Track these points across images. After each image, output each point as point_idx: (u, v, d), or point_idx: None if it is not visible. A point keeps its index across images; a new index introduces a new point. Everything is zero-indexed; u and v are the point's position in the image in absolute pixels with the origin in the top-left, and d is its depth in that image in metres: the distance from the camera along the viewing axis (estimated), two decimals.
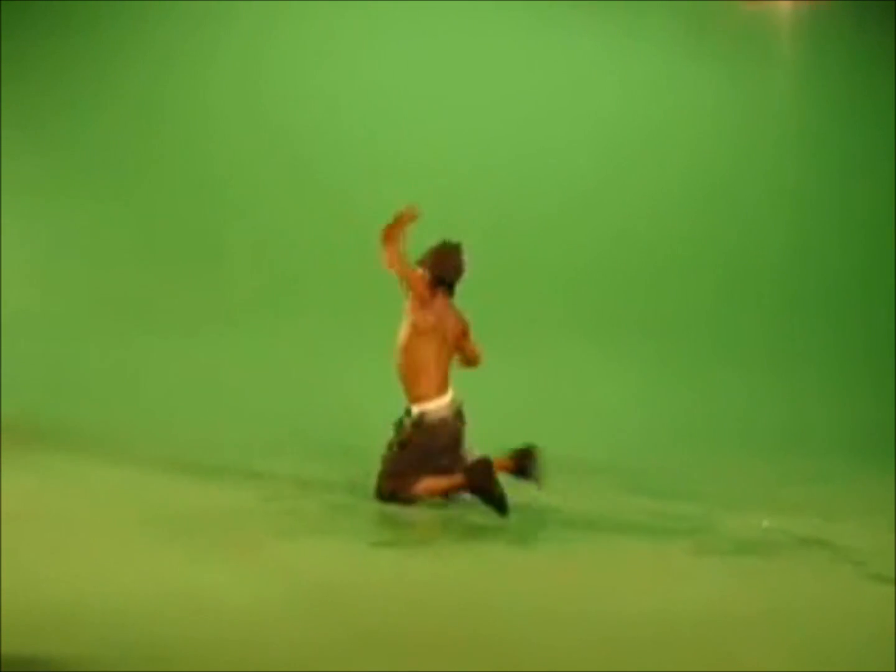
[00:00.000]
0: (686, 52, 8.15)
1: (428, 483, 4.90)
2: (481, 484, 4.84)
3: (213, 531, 4.23)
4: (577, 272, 8.10)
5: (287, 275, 7.86)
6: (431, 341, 4.92)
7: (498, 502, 4.82)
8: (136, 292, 7.63)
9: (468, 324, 5.07)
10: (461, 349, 5.06)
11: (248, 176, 7.83)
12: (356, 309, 7.25)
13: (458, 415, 4.98)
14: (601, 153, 8.17)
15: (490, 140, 8.01)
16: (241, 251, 7.89)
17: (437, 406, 4.92)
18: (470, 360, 5.12)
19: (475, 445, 4.99)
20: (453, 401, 4.98)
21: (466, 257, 5.07)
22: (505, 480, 4.88)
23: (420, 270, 5.00)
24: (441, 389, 4.96)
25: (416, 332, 4.91)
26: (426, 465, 4.89)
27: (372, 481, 4.95)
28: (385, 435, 5.04)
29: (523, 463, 4.98)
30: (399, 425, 5.01)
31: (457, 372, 5.06)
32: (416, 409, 4.95)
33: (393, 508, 4.81)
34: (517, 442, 5.11)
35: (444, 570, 4.02)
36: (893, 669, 3.13)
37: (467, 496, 4.90)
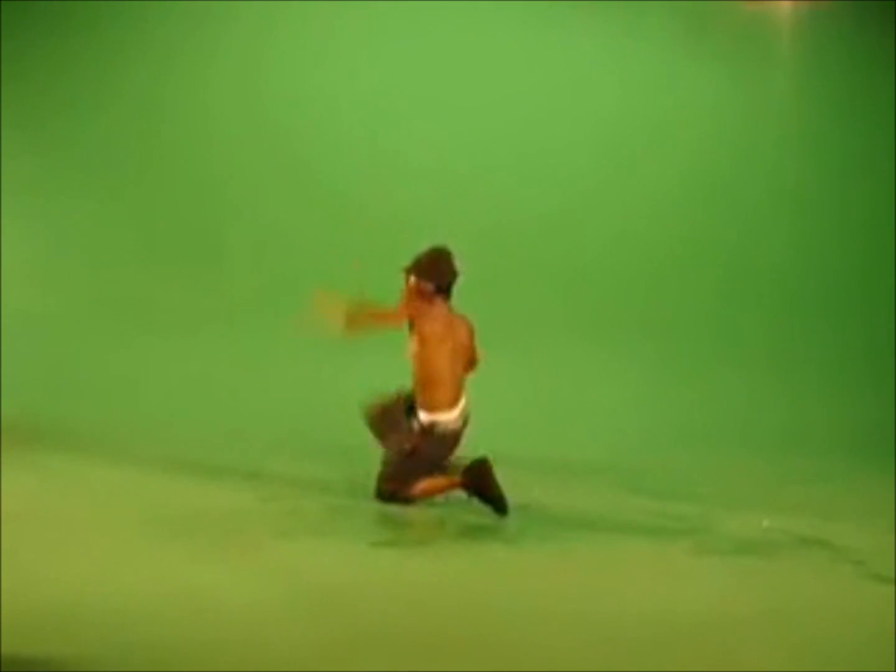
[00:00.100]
0: (686, 52, 8.15)
1: (426, 484, 4.89)
2: (481, 484, 4.84)
3: (212, 531, 4.23)
4: (577, 272, 8.10)
5: (287, 275, 7.85)
6: (444, 350, 4.87)
7: (497, 502, 4.83)
8: (136, 292, 7.64)
9: (472, 326, 5.06)
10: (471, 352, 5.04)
11: (248, 176, 7.83)
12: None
13: (466, 422, 4.98)
14: (601, 153, 8.17)
15: (490, 140, 8.01)
16: (240, 251, 7.89)
17: (449, 418, 4.89)
18: (473, 363, 5.11)
19: (475, 446, 4.99)
20: (463, 410, 4.96)
21: (457, 261, 5.03)
22: (505, 481, 4.88)
23: (412, 281, 4.94)
24: (456, 400, 4.93)
25: (428, 343, 4.86)
26: (429, 470, 4.89)
27: (371, 482, 4.94)
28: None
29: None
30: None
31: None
32: (425, 417, 4.89)
33: (392, 509, 4.81)
34: (517, 442, 5.11)
35: (444, 571, 4.02)
36: (893, 670, 3.13)
37: (463, 496, 4.89)
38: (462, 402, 4.95)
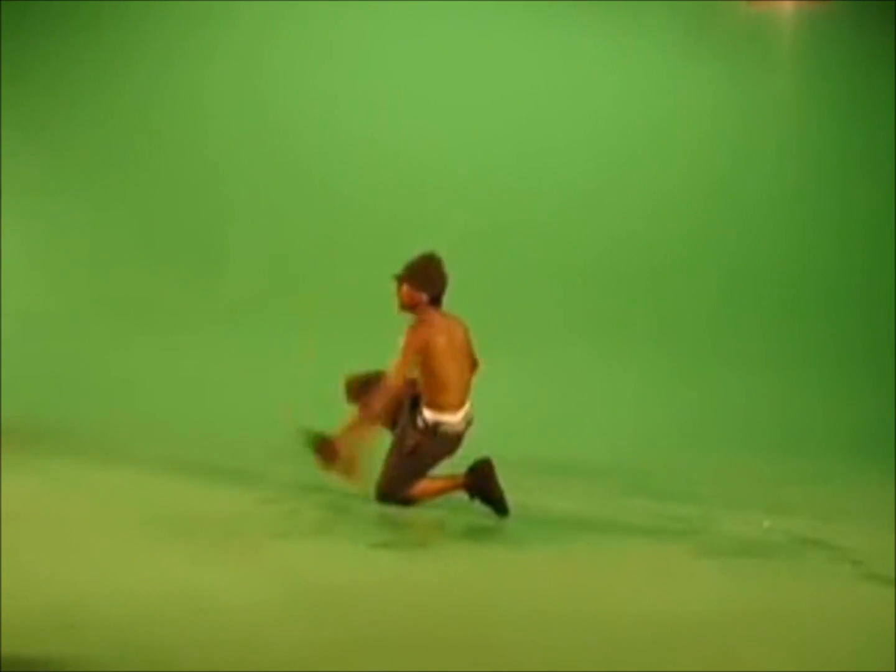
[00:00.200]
0: (686, 52, 8.14)
1: (426, 484, 4.89)
2: (483, 485, 4.84)
3: (212, 532, 4.23)
4: (577, 272, 8.10)
5: (287, 275, 7.87)
6: (452, 361, 4.85)
7: (498, 503, 4.83)
8: (136, 293, 7.64)
9: (465, 324, 5.05)
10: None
11: (248, 176, 7.83)
12: (357, 310, 7.25)
13: (469, 424, 4.97)
14: (601, 154, 8.17)
15: (490, 140, 8.01)
16: (240, 251, 7.90)
17: (454, 420, 4.87)
18: (475, 364, 5.09)
19: (475, 447, 4.98)
20: (467, 413, 4.94)
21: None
22: (504, 482, 4.88)
23: (405, 290, 4.88)
24: (462, 403, 4.91)
25: (435, 358, 4.81)
26: (429, 471, 4.89)
27: (371, 482, 4.94)
28: (385, 437, 5.03)
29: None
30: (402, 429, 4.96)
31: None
32: (431, 416, 4.87)
33: (392, 510, 4.81)
34: (517, 443, 5.11)
35: (444, 572, 4.02)
36: (893, 670, 3.13)
37: (463, 497, 4.89)
38: (467, 405, 4.94)
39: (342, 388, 5.08)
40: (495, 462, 4.89)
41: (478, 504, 4.88)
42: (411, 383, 4.93)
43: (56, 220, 7.69)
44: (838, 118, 8.46)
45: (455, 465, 4.94)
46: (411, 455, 4.85)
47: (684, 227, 8.23)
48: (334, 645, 3.09)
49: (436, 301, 4.91)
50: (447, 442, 4.88)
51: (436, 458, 4.89)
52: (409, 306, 4.92)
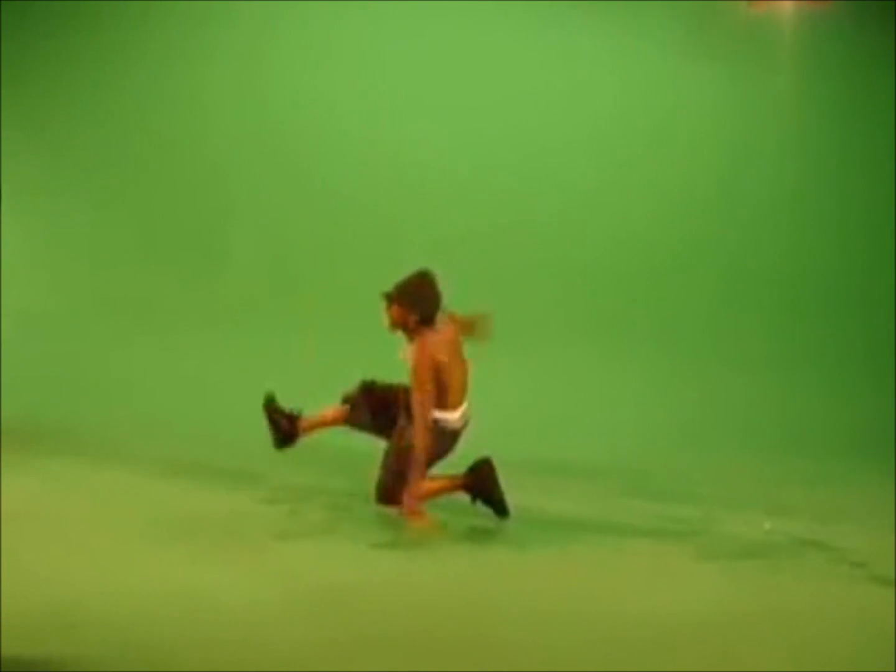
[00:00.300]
0: (686, 52, 8.14)
1: (427, 485, 4.88)
2: (484, 485, 4.84)
3: (213, 533, 4.23)
4: (577, 272, 8.10)
5: (287, 275, 7.86)
6: (453, 367, 4.83)
7: (498, 504, 4.83)
8: (136, 293, 7.64)
9: (454, 322, 4.99)
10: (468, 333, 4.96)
11: (248, 176, 7.83)
12: (357, 310, 7.23)
13: (466, 423, 4.96)
14: (601, 154, 8.16)
15: (490, 140, 8.00)
16: (240, 251, 7.89)
17: (453, 417, 4.85)
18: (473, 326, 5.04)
19: (474, 448, 4.98)
20: (465, 411, 4.91)
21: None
22: (505, 483, 4.88)
23: (395, 311, 4.83)
24: (461, 402, 4.89)
25: (440, 370, 4.76)
26: (428, 469, 4.88)
27: (371, 483, 4.94)
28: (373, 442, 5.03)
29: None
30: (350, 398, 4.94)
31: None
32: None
33: (392, 510, 4.80)
34: (517, 444, 5.11)
35: (444, 572, 4.03)
36: (893, 671, 3.13)
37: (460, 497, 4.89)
38: (465, 404, 4.93)
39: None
40: (495, 462, 4.89)
41: (478, 505, 4.87)
42: (407, 390, 4.92)
43: (56, 220, 7.69)
44: (838, 118, 8.45)
45: (455, 465, 4.93)
46: (408, 451, 4.83)
47: (684, 227, 8.22)
48: (334, 645, 3.09)
49: (428, 320, 4.80)
50: (445, 439, 4.86)
51: (434, 456, 4.87)
52: (399, 325, 4.86)
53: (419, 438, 4.66)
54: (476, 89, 7.98)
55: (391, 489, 4.82)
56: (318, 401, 5.08)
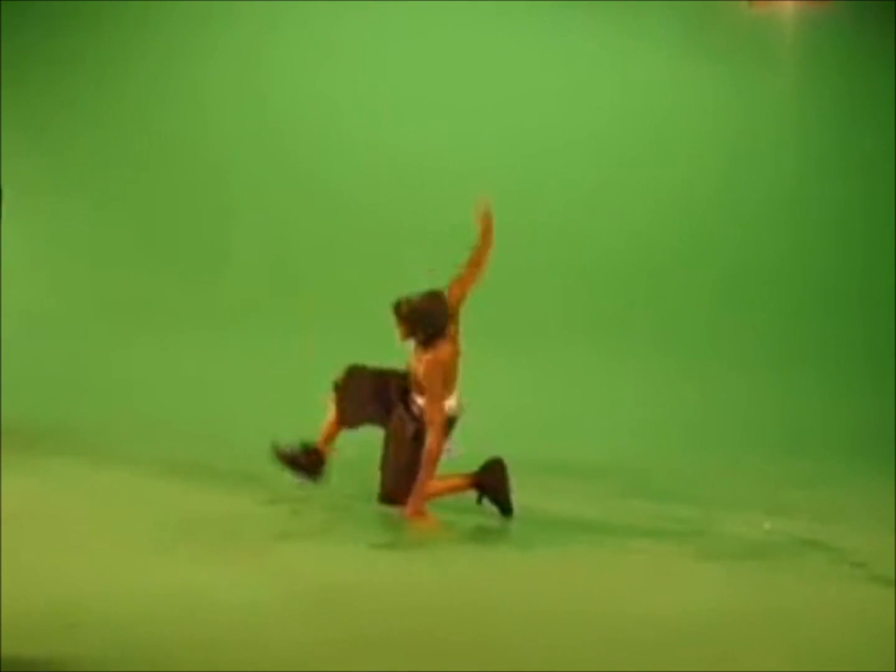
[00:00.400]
0: (686, 52, 8.14)
1: (436, 483, 4.85)
2: (495, 485, 4.86)
3: (213, 534, 4.23)
4: (577, 272, 8.10)
5: (287, 276, 7.86)
6: (454, 361, 4.84)
7: (505, 503, 4.85)
8: (137, 294, 7.64)
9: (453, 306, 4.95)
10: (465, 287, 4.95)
11: (249, 177, 7.83)
12: (357, 310, 7.25)
13: (462, 410, 4.94)
14: (601, 154, 8.16)
15: (490, 141, 8.00)
16: (241, 252, 7.89)
17: (449, 404, 4.83)
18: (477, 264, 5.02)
19: (474, 448, 4.98)
20: (458, 397, 4.90)
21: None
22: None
23: (403, 331, 4.80)
24: (454, 388, 4.88)
25: (448, 370, 4.77)
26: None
27: (371, 483, 4.94)
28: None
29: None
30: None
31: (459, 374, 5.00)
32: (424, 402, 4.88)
33: (392, 511, 4.79)
34: (517, 444, 5.10)
35: (444, 572, 4.03)
36: (893, 671, 3.13)
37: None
38: (457, 390, 4.92)
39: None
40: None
41: (478, 505, 4.88)
42: (402, 376, 4.93)
43: (56, 220, 7.70)
44: (838, 118, 8.46)
45: (457, 465, 4.93)
46: (413, 442, 4.80)
47: (684, 227, 8.23)
48: (335, 645, 3.09)
49: (437, 336, 4.78)
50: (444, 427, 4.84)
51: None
52: (409, 338, 4.85)
53: (435, 443, 4.66)
54: (476, 89, 7.98)
55: (396, 488, 4.79)
56: (318, 401, 5.08)
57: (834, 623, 3.66)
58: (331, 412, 5.01)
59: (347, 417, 5.00)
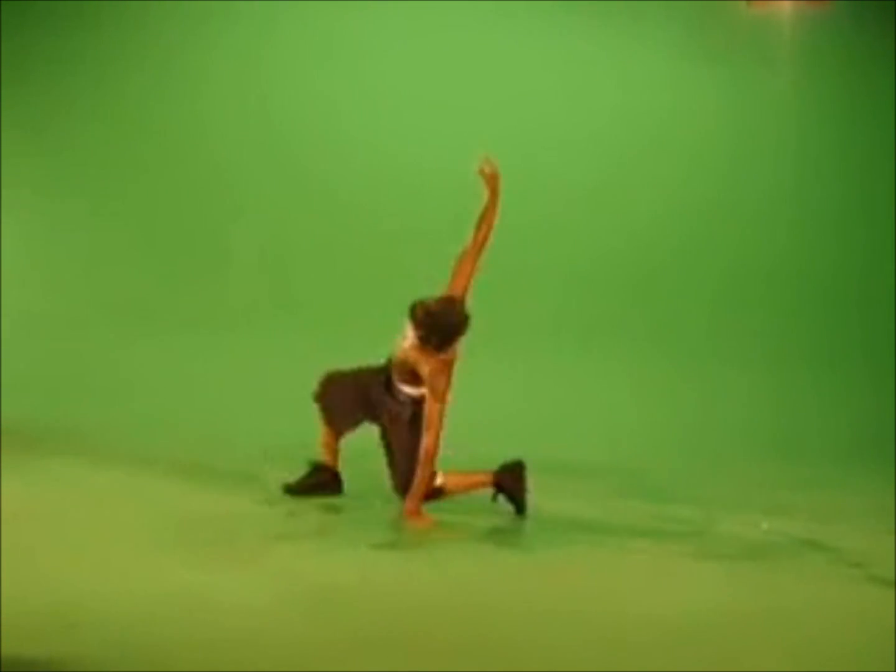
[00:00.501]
0: (686, 53, 8.14)
1: (458, 478, 4.88)
2: (513, 485, 4.91)
3: (213, 534, 4.23)
4: (576, 272, 8.10)
5: (288, 277, 7.86)
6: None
7: (521, 503, 4.89)
8: (137, 294, 7.64)
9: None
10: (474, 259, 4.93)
11: (249, 177, 7.83)
12: (358, 312, 7.26)
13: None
14: (601, 155, 8.16)
15: (490, 142, 7.95)
16: (241, 252, 7.89)
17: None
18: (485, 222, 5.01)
19: (474, 449, 4.99)
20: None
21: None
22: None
23: (413, 338, 4.76)
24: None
25: (448, 390, 4.78)
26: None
27: (371, 482, 4.94)
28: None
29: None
30: None
31: (457, 374, 5.00)
32: (411, 390, 4.84)
33: (392, 511, 4.79)
34: (516, 445, 5.11)
35: (444, 573, 4.02)
36: (893, 671, 3.14)
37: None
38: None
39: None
40: (495, 463, 4.93)
41: (480, 504, 4.89)
42: (380, 370, 4.95)
43: (56, 220, 7.69)
44: (838, 119, 8.46)
45: (456, 464, 4.93)
46: (411, 426, 4.79)
47: (683, 227, 8.23)
48: (334, 645, 3.09)
49: (449, 343, 4.76)
50: None
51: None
52: (423, 342, 4.79)
53: (432, 443, 4.66)
54: (476, 90, 7.98)
55: (411, 470, 4.75)
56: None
57: (833, 623, 3.66)
58: (322, 426, 5.02)
59: (339, 426, 5.03)
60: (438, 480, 4.80)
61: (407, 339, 4.79)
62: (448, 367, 4.75)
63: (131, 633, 3.06)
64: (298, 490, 4.99)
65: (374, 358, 5.04)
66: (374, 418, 5.00)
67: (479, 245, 4.96)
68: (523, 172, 8.05)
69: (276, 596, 3.49)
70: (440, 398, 4.69)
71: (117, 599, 3.33)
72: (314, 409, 5.04)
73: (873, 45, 8.35)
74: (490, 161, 5.01)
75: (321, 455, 5.06)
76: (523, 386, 7.56)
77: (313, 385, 5.07)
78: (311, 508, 4.81)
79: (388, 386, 4.93)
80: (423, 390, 4.79)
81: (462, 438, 4.93)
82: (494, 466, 4.96)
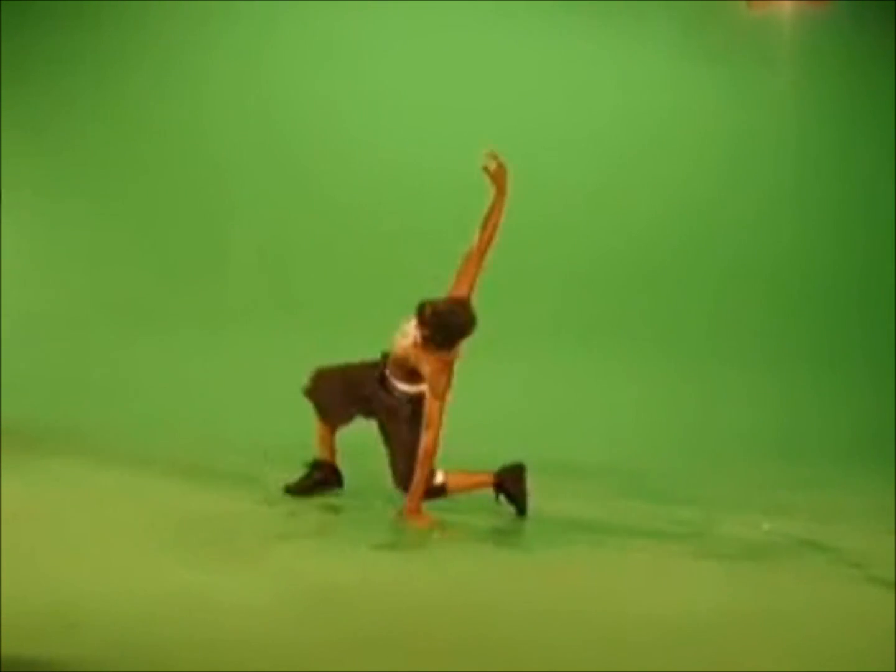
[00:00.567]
0: (686, 53, 8.14)
1: (461, 477, 4.88)
2: (515, 487, 4.92)
3: (213, 534, 4.23)
4: (577, 273, 8.10)
5: (288, 278, 7.86)
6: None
7: (522, 504, 4.91)
8: (137, 294, 7.63)
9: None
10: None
11: (249, 177, 7.82)
12: (358, 312, 7.25)
13: None
14: (601, 155, 8.16)
15: (490, 142, 7.97)
16: (241, 253, 7.89)
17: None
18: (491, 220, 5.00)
19: (474, 449, 4.99)
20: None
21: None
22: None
23: (418, 336, 4.74)
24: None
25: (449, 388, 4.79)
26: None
27: (370, 482, 4.94)
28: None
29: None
30: None
31: (458, 374, 5.00)
32: (409, 388, 4.84)
33: (392, 511, 4.79)
34: (516, 444, 5.11)
35: (444, 573, 4.02)
36: (893, 671, 3.14)
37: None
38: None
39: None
40: (495, 463, 4.93)
41: (480, 504, 4.90)
42: (371, 366, 4.96)
43: (56, 220, 7.69)
44: (838, 119, 8.46)
45: (457, 464, 4.93)
46: (413, 423, 4.79)
47: (683, 227, 8.23)
48: (334, 646, 3.09)
49: (452, 344, 4.75)
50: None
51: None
52: (429, 341, 4.77)
53: (431, 442, 4.66)
54: (476, 90, 7.98)
55: (410, 466, 4.74)
56: None
57: (833, 624, 3.66)
58: (316, 422, 5.03)
59: (331, 420, 5.03)
60: (440, 479, 4.80)
61: (407, 336, 4.79)
62: (449, 366, 4.75)
63: (131, 633, 3.06)
64: (299, 490, 4.99)
65: (374, 358, 5.04)
66: (369, 413, 5.00)
67: (484, 245, 4.96)
68: (524, 172, 8.00)
69: (275, 596, 3.49)
70: (441, 397, 4.68)
71: (117, 599, 3.33)
72: (313, 408, 5.04)
73: (873, 45, 8.35)
74: (495, 156, 4.98)
75: (318, 452, 5.06)
76: (523, 386, 7.56)
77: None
78: (310, 508, 4.81)
79: (382, 381, 4.93)
80: (420, 388, 4.80)
81: (462, 438, 4.93)
82: (495, 466, 4.97)
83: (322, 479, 5.04)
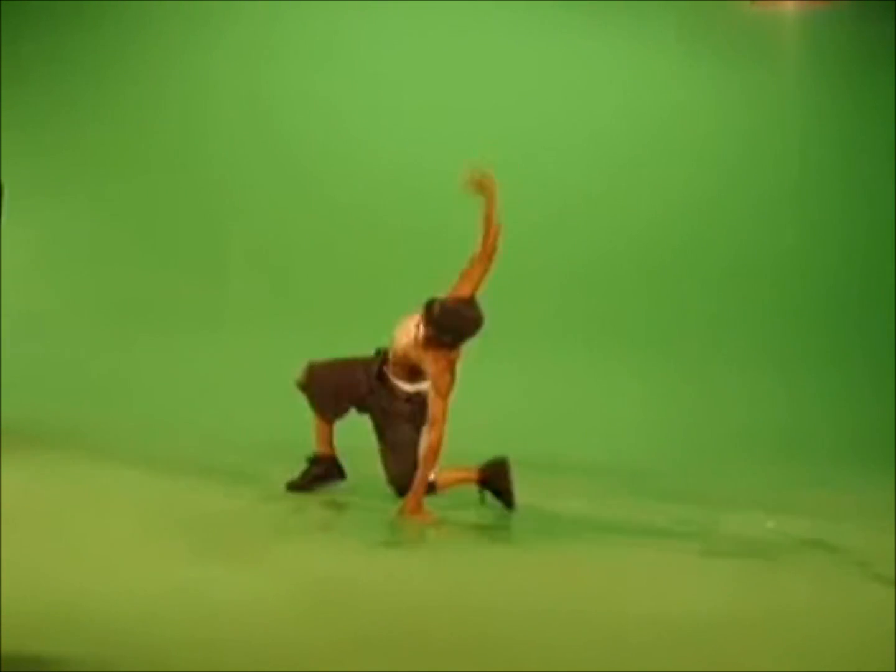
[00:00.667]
0: (688, 52, 8.14)
1: (446, 473, 4.87)
2: (498, 482, 4.91)
3: (213, 531, 4.22)
4: (578, 272, 8.09)
5: (288, 278, 7.86)
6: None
7: (508, 497, 4.89)
8: (137, 294, 7.64)
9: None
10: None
11: (249, 177, 7.83)
12: (358, 312, 7.25)
13: None
14: (603, 155, 8.16)
15: (492, 143, 7.97)
16: (242, 253, 7.89)
17: (424, 386, 4.85)
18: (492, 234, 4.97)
19: (474, 449, 4.98)
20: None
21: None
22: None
23: (423, 333, 4.70)
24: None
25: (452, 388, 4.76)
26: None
27: (370, 481, 4.94)
28: None
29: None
30: None
31: (458, 373, 5.00)
32: (409, 387, 4.87)
33: (393, 508, 4.78)
34: (517, 444, 5.11)
35: (443, 571, 4.02)
36: (893, 671, 3.13)
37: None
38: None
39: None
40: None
41: (479, 504, 4.90)
42: (367, 361, 4.95)
43: (56, 220, 7.69)
44: (841, 118, 8.45)
45: (459, 463, 4.93)
46: (411, 422, 4.81)
47: (685, 226, 8.22)
48: (336, 644, 3.09)
49: (457, 344, 4.73)
50: (424, 408, 4.79)
51: (421, 425, 4.82)
52: (434, 339, 4.75)
53: (436, 440, 4.64)
54: (477, 90, 7.98)
55: (407, 467, 4.76)
56: None
57: (836, 623, 3.65)
58: (314, 416, 5.02)
59: (329, 413, 5.03)
60: (430, 476, 4.79)
61: (408, 335, 4.78)
62: (453, 365, 4.73)
63: (131, 633, 3.05)
64: (302, 486, 4.98)
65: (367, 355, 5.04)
66: (363, 409, 5.00)
67: (487, 252, 4.94)
68: (525, 172, 8.06)
69: (276, 593, 3.48)
70: (445, 395, 4.66)
71: (118, 597, 3.32)
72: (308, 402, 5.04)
73: (876, 44, 8.34)
74: (479, 170, 4.94)
75: (317, 446, 5.04)
76: (524, 385, 7.55)
77: None
78: (311, 506, 4.81)
79: (381, 379, 4.92)
80: (420, 386, 4.80)
81: (462, 438, 4.91)
82: None
83: (322, 473, 5.02)
